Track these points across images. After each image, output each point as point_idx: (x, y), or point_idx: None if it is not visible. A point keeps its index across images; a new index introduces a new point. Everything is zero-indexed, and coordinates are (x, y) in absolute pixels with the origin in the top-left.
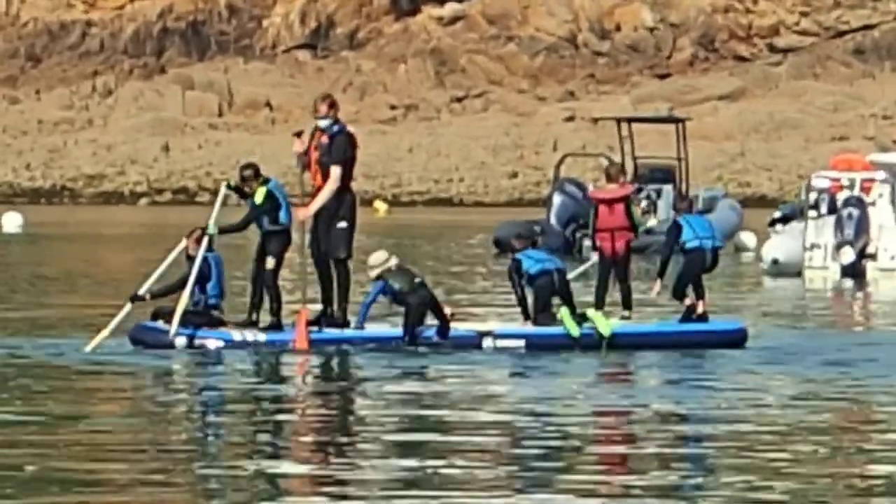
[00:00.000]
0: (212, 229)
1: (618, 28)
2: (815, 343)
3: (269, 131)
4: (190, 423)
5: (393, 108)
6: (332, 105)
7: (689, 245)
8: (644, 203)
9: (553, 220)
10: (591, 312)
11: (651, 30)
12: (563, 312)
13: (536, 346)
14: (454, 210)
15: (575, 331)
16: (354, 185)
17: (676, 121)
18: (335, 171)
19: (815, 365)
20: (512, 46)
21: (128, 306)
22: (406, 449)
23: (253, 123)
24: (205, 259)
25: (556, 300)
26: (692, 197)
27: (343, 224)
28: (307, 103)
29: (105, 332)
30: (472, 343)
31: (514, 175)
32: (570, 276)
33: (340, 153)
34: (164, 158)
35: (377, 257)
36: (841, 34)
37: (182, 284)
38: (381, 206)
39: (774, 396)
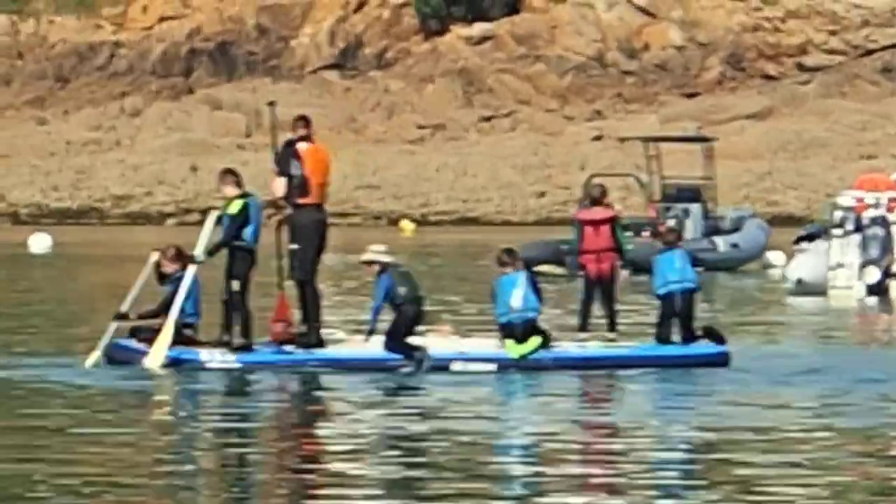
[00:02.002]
0: (201, 257)
1: (646, 47)
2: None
3: None
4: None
5: (421, 127)
6: (297, 125)
7: (658, 291)
8: (671, 222)
9: None
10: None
11: (679, 49)
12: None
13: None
14: (482, 230)
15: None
16: (379, 205)
17: (703, 140)
18: (273, 184)
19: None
20: (540, 66)
21: (113, 325)
22: None
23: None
24: (180, 278)
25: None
26: (720, 216)
27: (293, 246)
28: (335, 123)
29: (98, 351)
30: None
31: (542, 194)
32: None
33: (280, 165)
34: (192, 179)
35: (375, 247)
36: (869, 52)
37: (166, 308)
38: (407, 225)
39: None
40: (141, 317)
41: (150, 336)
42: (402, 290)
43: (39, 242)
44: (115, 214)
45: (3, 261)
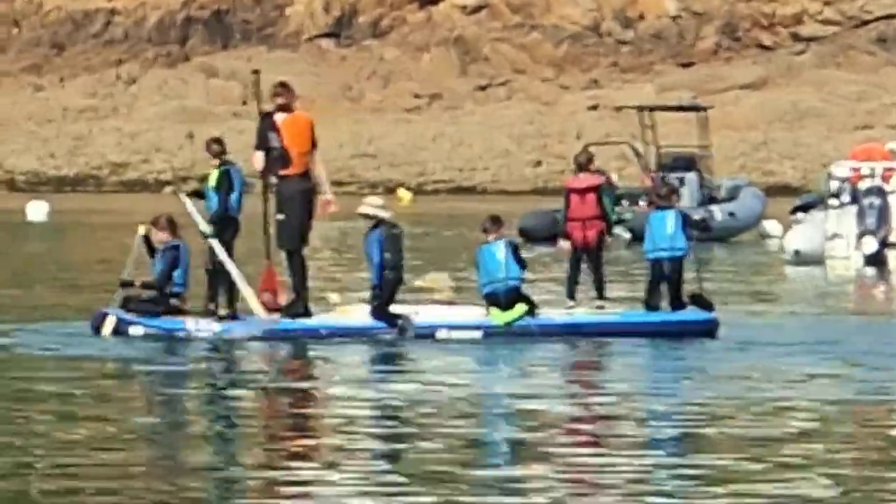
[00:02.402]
0: (209, 230)
1: (641, 17)
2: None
3: None
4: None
5: (417, 96)
6: (275, 93)
7: (647, 256)
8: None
9: None
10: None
11: (674, 18)
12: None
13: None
14: (478, 199)
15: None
16: (375, 174)
17: (698, 109)
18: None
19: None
20: (536, 35)
21: (119, 291)
22: None
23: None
24: (176, 247)
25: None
26: (716, 185)
27: (280, 217)
28: (331, 92)
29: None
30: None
31: (538, 164)
32: None
33: (258, 139)
34: (189, 146)
35: (373, 199)
36: (864, 23)
37: (165, 280)
38: (404, 194)
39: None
40: (144, 285)
41: (139, 307)
42: (386, 255)
43: (37, 210)
44: (113, 182)
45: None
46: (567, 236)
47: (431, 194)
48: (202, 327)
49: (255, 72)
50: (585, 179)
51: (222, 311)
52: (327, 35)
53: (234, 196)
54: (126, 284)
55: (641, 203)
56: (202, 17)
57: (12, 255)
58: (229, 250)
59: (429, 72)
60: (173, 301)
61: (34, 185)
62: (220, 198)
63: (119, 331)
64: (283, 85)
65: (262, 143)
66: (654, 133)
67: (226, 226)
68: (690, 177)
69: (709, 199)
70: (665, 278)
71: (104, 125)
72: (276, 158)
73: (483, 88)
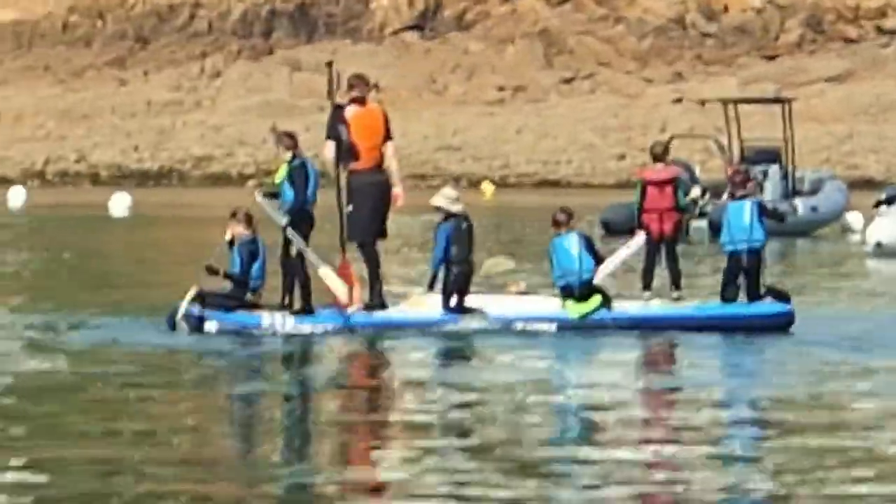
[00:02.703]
0: (284, 220)
1: (725, 9)
2: None
3: None
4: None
5: (501, 89)
6: (350, 85)
7: (725, 248)
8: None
9: (694, 187)
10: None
11: (759, 11)
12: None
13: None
14: (562, 192)
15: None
16: (459, 167)
17: (782, 101)
18: (324, 148)
19: None
20: (620, 28)
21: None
22: None
23: None
24: (254, 240)
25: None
26: (799, 178)
27: (349, 208)
28: (415, 85)
29: (185, 300)
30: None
31: (622, 157)
32: (617, 261)
33: (329, 129)
34: (272, 139)
35: (448, 192)
36: None
37: (245, 274)
38: (488, 188)
39: None
40: (227, 276)
41: (217, 302)
42: (453, 249)
43: (119, 204)
44: (196, 176)
45: (83, 222)
46: (644, 228)
47: (515, 187)
48: (278, 321)
49: (329, 63)
50: (663, 171)
51: (297, 306)
52: (411, 28)
53: (310, 189)
54: (213, 271)
55: (725, 196)
56: (286, 10)
57: (93, 248)
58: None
59: (513, 65)
60: (249, 296)
61: (117, 178)
62: (296, 190)
63: (194, 326)
64: (358, 77)
65: (332, 133)
66: (738, 126)
67: (302, 219)
68: (774, 170)
69: (792, 192)
70: (743, 270)
71: (188, 119)
72: (345, 151)
73: (567, 81)
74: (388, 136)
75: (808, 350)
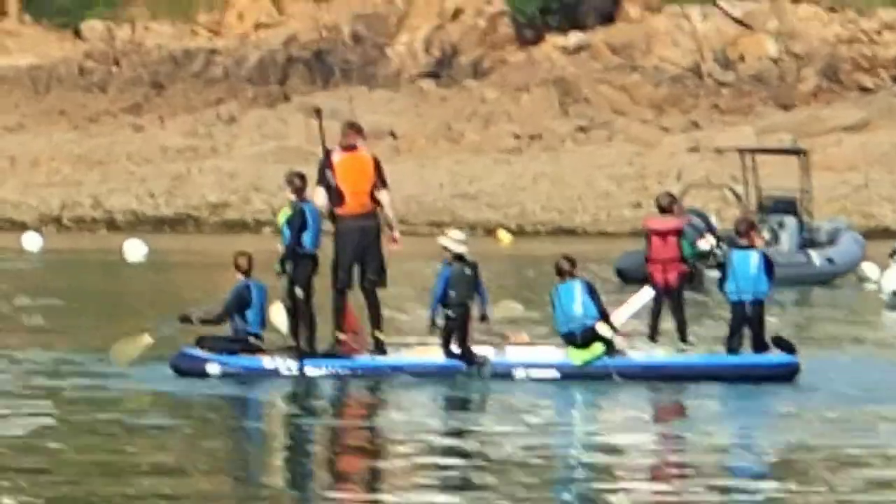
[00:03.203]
0: (277, 268)
1: (742, 58)
2: None
3: (392, 160)
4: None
5: (517, 137)
6: (342, 132)
7: (729, 297)
8: (767, 235)
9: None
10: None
11: (775, 61)
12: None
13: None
14: (577, 239)
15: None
16: (475, 215)
17: (798, 152)
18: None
19: None
20: (636, 76)
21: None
22: None
23: (376, 152)
24: (246, 286)
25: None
26: (814, 227)
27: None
28: (431, 132)
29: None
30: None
31: (638, 205)
32: (627, 312)
33: (319, 175)
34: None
35: (455, 233)
36: None
37: (225, 312)
38: (504, 235)
39: None
40: (203, 320)
41: (214, 344)
42: (451, 293)
43: (135, 249)
44: (212, 222)
45: (99, 267)
46: (649, 278)
47: (531, 235)
48: (280, 364)
49: (318, 110)
50: (667, 221)
51: (303, 348)
52: (428, 75)
53: (308, 233)
54: (185, 320)
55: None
56: (303, 56)
57: (108, 293)
58: (307, 288)
59: (529, 112)
60: (252, 340)
61: (133, 224)
62: (290, 234)
63: (195, 370)
64: (350, 125)
65: (321, 180)
66: (755, 175)
67: (298, 263)
68: (790, 220)
69: (808, 243)
70: (747, 320)
71: (203, 165)
72: (332, 196)
73: (583, 129)
74: (382, 184)
75: (821, 398)
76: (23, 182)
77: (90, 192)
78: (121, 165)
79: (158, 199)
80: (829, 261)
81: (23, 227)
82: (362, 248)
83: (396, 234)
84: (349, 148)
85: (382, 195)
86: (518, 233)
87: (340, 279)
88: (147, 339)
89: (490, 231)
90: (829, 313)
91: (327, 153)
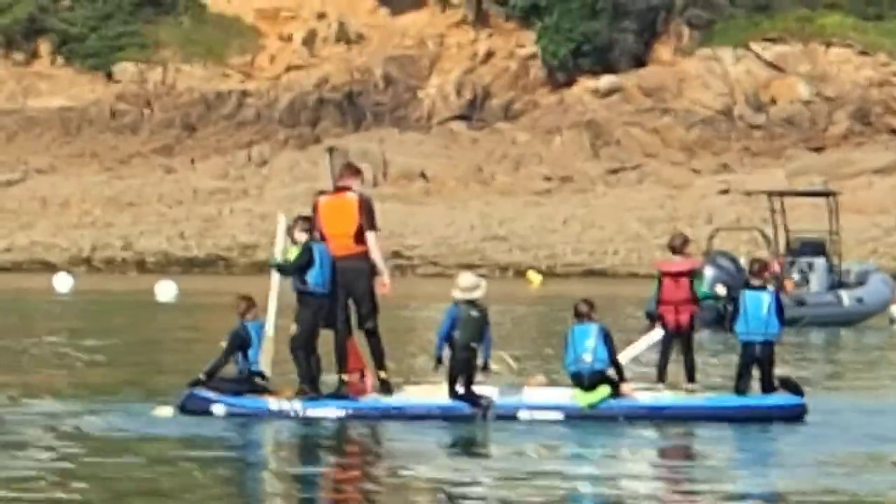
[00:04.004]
0: (275, 259)
1: (773, 101)
2: None
3: (423, 202)
4: None
5: (548, 179)
6: (339, 175)
7: (739, 337)
8: (796, 276)
9: (719, 285)
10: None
11: (806, 103)
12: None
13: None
14: (608, 281)
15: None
16: (505, 257)
17: (828, 194)
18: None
19: None
20: (667, 119)
21: (187, 391)
22: None
23: (407, 193)
24: (243, 326)
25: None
26: (844, 269)
27: None
28: (462, 174)
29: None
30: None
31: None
32: (634, 351)
33: (312, 218)
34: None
35: (462, 281)
36: None
37: (226, 357)
38: (535, 277)
39: None
40: (209, 374)
41: (219, 385)
42: (456, 334)
43: (165, 291)
44: (242, 263)
45: (130, 307)
46: (660, 319)
47: (562, 277)
48: (285, 406)
49: (330, 150)
50: (680, 263)
51: (299, 388)
52: (459, 117)
53: (313, 272)
54: (194, 384)
55: (770, 288)
56: (334, 98)
57: (139, 334)
58: (312, 328)
59: (560, 155)
60: (258, 381)
61: (163, 266)
62: (292, 273)
63: (200, 410)
64: (347, 166)
65: (313, 224)
66: (784, 218)
67: (305, 302)
68: (819, 262)
69: (837, 284)
70: (757, 361)
71: (234, 206)
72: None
73: (614, 172)
74: (370, 226)
75: (849, 440)
76: (54, 224)
77: (121, 234)
78: (152, 207)
79: (189, 240)
80: (859, 301)
81: (53, 268)
82: (347, 291)
83: (385, 279)
84: (339, 190)
85: (368, 237)
86: (548, 274)
87: (328, 320)
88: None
89: (520, 273)
90: (857, 354)
91: (319, 193)
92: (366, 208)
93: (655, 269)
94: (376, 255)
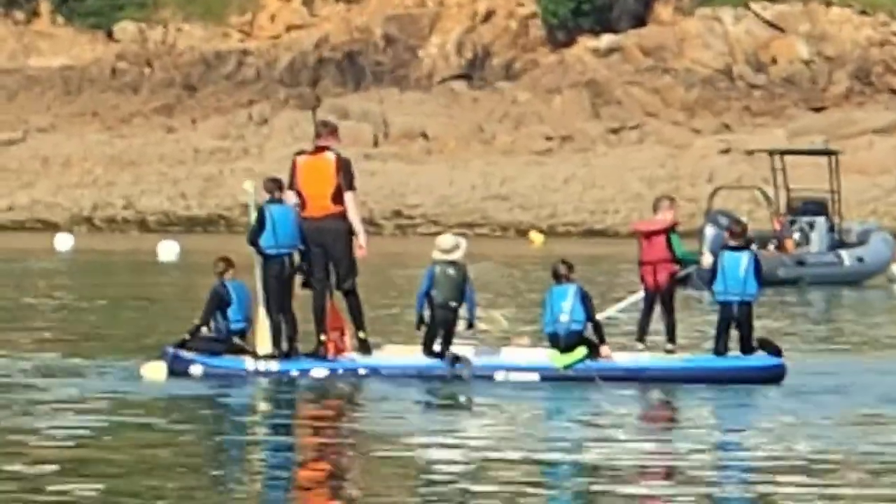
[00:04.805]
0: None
1: (773, 61)
2: None
3: (424, 161)
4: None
5: (548, 139)
6: (316, 134)
7: (717, 297)
8: (797, 235)
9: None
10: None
11: (807, 63)
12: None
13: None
14: (609, 241)
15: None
16: (506, 216)
17: (829, 153)
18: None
19: None
20: (668, 78)
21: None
22: None
23: (408, 153)
24: (222, 284)
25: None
26: (845, 228)
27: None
28: (462, 133)
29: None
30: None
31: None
32: (615, 308)
33: (289, 178)
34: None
35: (441, 241)
36: None
37: (206, 316)
38: (536, 237)
39: None
40: (192, 334)
41: (200, 346)
42: (433, 293)
43: (167, 250)
44: (243, 223)
45: (131, 267)
46: (641, 280)
47: (563, 236)
48: (261, 366)
49: (314, 108)
50: (653, 222)
51: (262, 350)
52: (459, 77)
53: (265, 234)
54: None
55: (770, 247)
56: (334, 58)
57: (140, 292)
58: (268, 289)
59: (560, 114)
60: (236, 340)
61: (165, 225)
62: (249, 234)
63: (179, 370)
64: (323, 124)
65: (291, 184)
66: (785, 177)
67: (262, 265)
68: (820, 221)
69: (838, 244)
70: (734, 321)
71: (235, 166)
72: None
73: (615, 131)
74: (348, 186)
75: (845, 401)
76: (55, 183)
77: (122, 193)
78: (153, 167)
79: (190, 200)
80: (860, 260)
81: (55, 227)
82: (323, 251)
83: (361, 241)
84: (317, 150)
85: (347, 198)
86: (549, 234)
87: (307, 280)
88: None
89: (522, 232)
90: (857, 313)
91: (298, 153)
92: (344, 168)
93: (632, 229)
94: (354, 216)
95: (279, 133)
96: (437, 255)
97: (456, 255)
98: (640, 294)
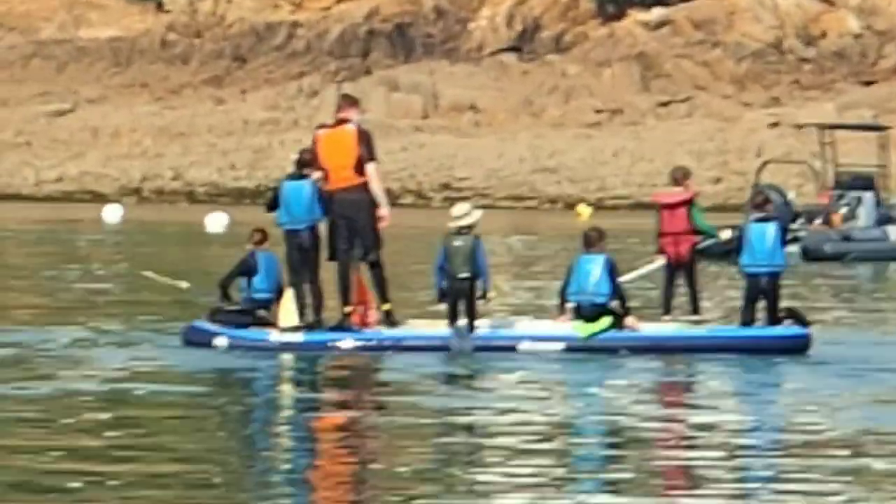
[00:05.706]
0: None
1: (823, 35)
2: None
3: (473, 134)
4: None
5: (598, 112)
6: (338, 107)
7: (744, 269)
8: (844, 210)
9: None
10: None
11: (856, 37)
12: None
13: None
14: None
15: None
16: (555, 189)
17: (878, 128)
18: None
19: None
20: (717, 52)
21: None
22: None
23: (457, 126)
24: (253, 255)
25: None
26: (889, 204)
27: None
28: (512, 106)
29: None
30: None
31: (718, 180)
32: (631, 276)
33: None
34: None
35: (456, 210)
36: None
37: (228, 279)
38: (584, 210)
39: None
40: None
41: (226, 318)
42: (446, 264)
43: (216, 222)
44: None
45: (180, 238)
46: (661, 251)
47: (611, 209)
48: (286, 337)
49: (340, 82)
50: (675, 194)
51: (308, 320)
52: (509, 49)
53: (281, 210)
54: (223, 300)
55: (817, 222)
56: (385, 30)
57: (189, 265)
58: (296, 262)
59: (610, 87)
60: (261, 312)
61: (213, 196)
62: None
63: (203, 342)
64: (344, 97)
65: (314, 158)
66: (833, 151)
67: (287, 239)
68: (867, 196)
69: (885, 219)
70: (762, 293)
71: (284, 138)
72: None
73: (664, 104)
74: (369, 157)
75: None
76: (104, 154)
77: (171, 164)
78: (202, 138)
79: (239, 171)
80: None
81: (104, 198)
82: (346, 223)
83: (383, 211)
84: (338, 122)
85: (368, 168)
86: (598, 207)
87: (332, 252)
88: (183, 284)
89: (570, 205)
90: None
91: (319, 127)
92: (364, 139)
93: (653, 201)
94: (376, 187)
95: (329, 105)
96: (449, 224)
97: (465, 221)
98: (659, 262)
